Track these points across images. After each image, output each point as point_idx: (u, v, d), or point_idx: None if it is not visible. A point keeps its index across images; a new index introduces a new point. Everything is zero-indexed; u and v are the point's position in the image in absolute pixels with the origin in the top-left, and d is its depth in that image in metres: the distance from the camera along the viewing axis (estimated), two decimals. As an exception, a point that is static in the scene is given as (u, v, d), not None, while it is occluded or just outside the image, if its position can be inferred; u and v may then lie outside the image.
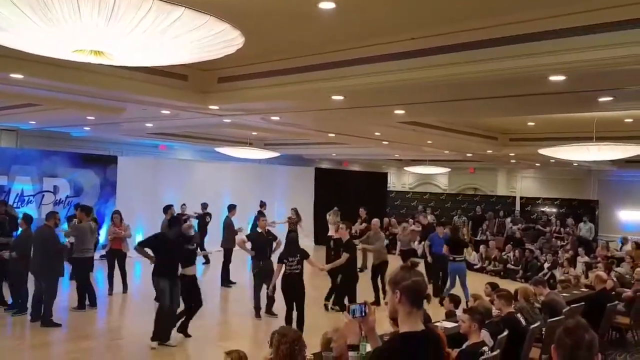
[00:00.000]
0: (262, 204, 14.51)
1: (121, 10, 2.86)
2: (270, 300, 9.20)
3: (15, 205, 13.48)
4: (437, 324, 6.27)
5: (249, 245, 9.58)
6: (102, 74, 6.55)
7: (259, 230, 9.72)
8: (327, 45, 6.19)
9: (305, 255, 8.34)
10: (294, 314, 8.11)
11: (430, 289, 11.59)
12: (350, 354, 2.75)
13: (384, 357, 2.52)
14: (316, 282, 10.36)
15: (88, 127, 13.12)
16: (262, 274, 9.18)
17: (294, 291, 8.11)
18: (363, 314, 2.75)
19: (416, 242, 18.31)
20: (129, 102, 8.57)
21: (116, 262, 10.49)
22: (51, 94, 7.96)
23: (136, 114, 9.95)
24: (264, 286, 9.07)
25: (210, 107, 8.23)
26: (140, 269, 12.44)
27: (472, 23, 5.12)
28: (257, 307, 9.20)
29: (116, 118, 10.64)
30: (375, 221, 11.39)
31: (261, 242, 9.48)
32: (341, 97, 6.94)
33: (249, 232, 11.04)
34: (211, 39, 3.36)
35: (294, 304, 8.10)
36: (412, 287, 2.58)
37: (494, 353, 5.00)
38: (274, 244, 9.67)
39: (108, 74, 6.61)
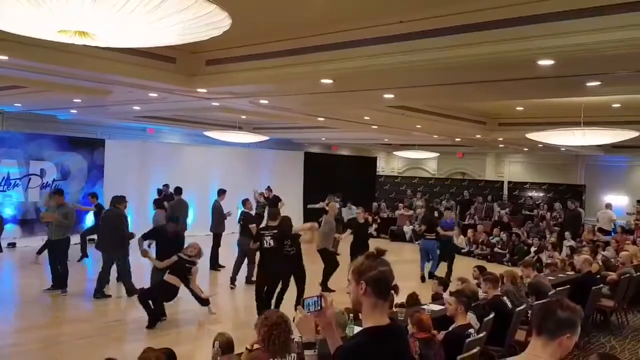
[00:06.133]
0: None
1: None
2: (251, 270, 10.18)
3: (1, 189, 13.39)
4: (424, 306, 6.35)
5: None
6: (88, 55, 6.44)
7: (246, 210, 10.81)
8: (315, 28, 6.14)
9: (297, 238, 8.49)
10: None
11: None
12: (306, 352, 2.49)
13: (354, 355, 2.32)
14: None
15: (75, 109, 12.97)
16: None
17: (288, 272, 8.30)
18: (319, 308, 2.46)
19: (407, 226, 18.50)
20: (115, 85, 8.47)
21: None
22: (36, 76, 7.85)
23: (123, 97, 9.84)
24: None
25: (199, 90, 8.16)
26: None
27: (461, 6, 5.10)
28: (233, 278, 10.32)
29: (103, 101, 10.52)
30: (332, 205, 11.77)
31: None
32: (330, 81, 6.90)
33: (238, 216, 11.29)
34: (198, 21, 3.32)
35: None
36: (378, 278, 2.35)
37: (480, 335, 5.06)
38: None
39: (94, 56, 6.50)
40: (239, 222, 11.01)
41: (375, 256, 2.45)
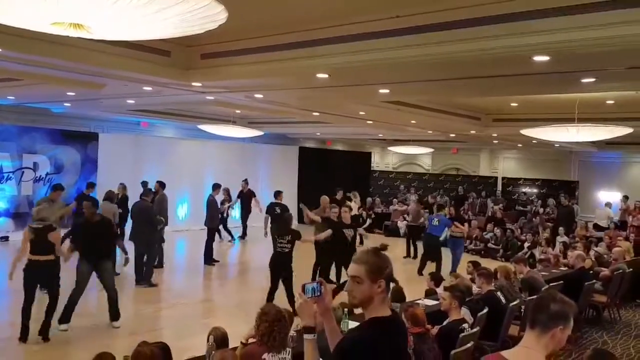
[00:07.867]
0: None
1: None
2: None
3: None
4: (419, 301, 6.37)
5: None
6: (82, 48, 6.39)
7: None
8: (311, 23, 6.12)
9: (296, 236, 8.26)
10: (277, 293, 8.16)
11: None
12: (306, 336, 2.55)
13: (360, 345, 2.37)
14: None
15: (68, 103, 12.89)
16: None
17: (283, 269, 8.12)
18: (319, 294, 2.56)
19: (401, 221, 18.52)
20: (109, 78, 8.42)
21: None
22: (30, 68, 7.79)
23: (117, 90, 9.79)
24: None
25: (194, 84, 8.13)
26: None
27: (457, 1, 5.10)
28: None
29: (97, 94, 10.46)
30: (323, 198, 12.08)
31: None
32: (326, 75, 6.89)
33: (266, 207, 11.97)
34: (194, 14, 3.30)
35: (281, 281, 8.13)
36: (390, 274, 2.49)
37: (474, 330, 5.08)
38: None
39: (89, 49, 6.45)
40: (267, 212, 11.74)
41: (380, 252, 2.54)
